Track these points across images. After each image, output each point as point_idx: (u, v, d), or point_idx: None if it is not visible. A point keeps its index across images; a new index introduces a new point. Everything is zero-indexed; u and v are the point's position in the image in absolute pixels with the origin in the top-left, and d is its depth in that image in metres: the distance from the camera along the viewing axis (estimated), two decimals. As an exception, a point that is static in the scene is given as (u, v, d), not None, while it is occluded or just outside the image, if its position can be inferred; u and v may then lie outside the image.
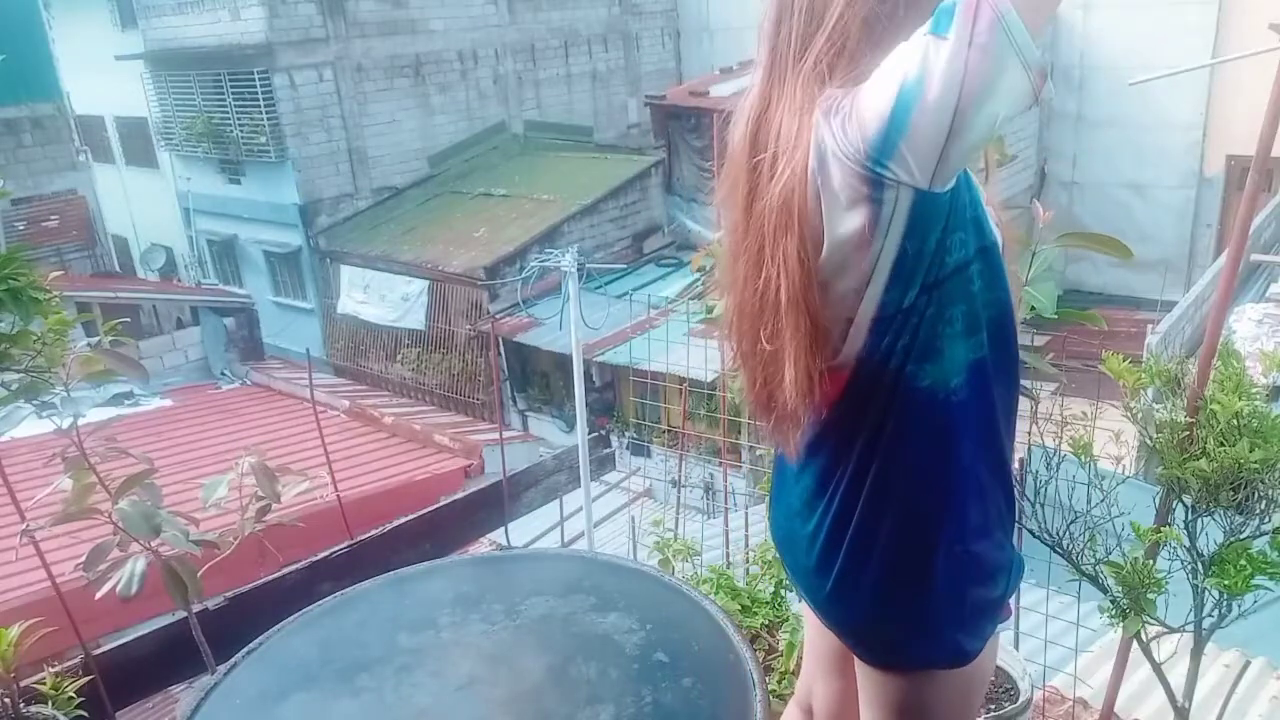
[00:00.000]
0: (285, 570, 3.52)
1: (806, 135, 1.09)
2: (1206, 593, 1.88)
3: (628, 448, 10.49)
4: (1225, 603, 1.87)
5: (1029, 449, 2.25)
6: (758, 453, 5.21)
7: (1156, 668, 2.06)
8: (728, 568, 3.17)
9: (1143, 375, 1.96)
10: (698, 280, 9.81)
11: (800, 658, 1.83)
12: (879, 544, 1.23)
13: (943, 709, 1.34)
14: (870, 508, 1.22)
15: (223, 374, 10.22)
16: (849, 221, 1.07)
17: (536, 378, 12.35)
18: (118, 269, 14.08)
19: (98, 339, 2.16)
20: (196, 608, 2.35)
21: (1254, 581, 1.77)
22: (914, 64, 0.98)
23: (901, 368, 1.15)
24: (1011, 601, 1.40)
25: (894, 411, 1.17)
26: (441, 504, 5.18)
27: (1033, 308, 1.83)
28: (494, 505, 5.18)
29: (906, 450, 1.19)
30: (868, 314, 1.13)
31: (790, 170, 1.10)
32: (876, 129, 1.01)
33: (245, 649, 1.59)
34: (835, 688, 1.61)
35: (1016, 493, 1.34)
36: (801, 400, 1.17)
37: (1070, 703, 2.98)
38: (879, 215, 1.05)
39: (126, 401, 8.51)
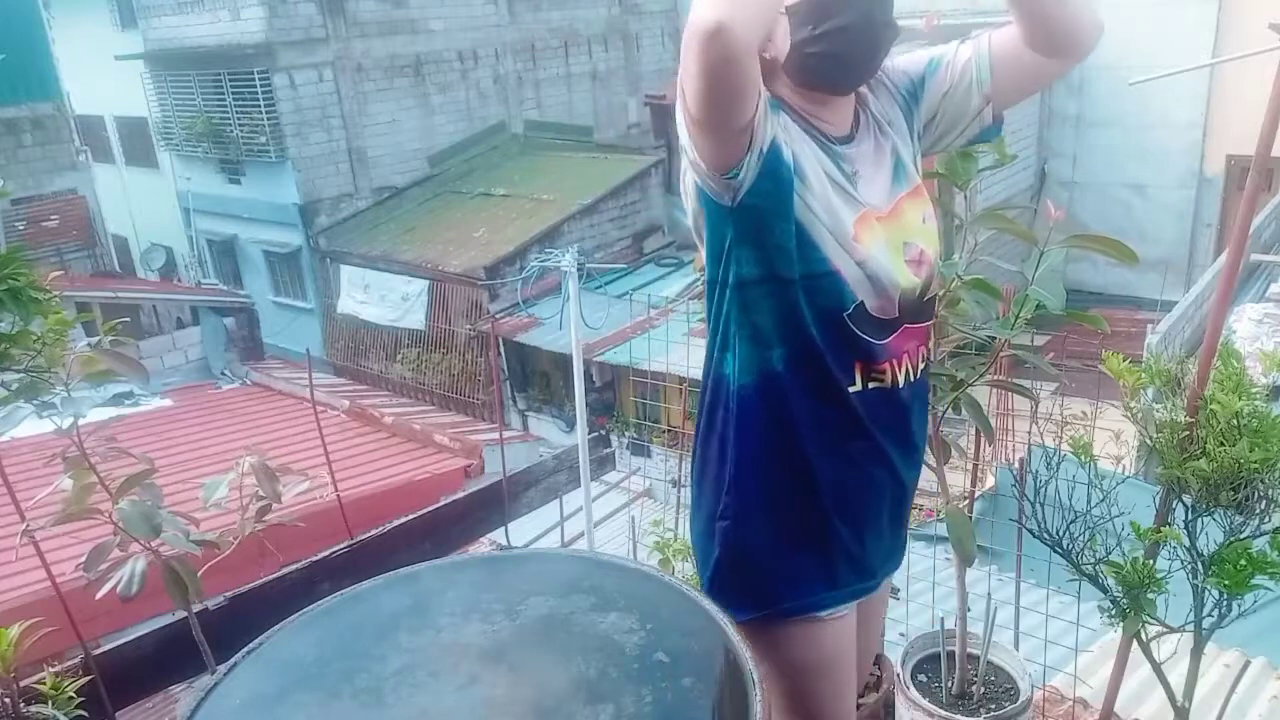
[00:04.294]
0: (285, 570, 3.51)
1: None
2: (1206, 592, 1.88)
3: (628, 448, 10.48)
4: (1225, 603, 1.87)
5: (1029, 449, 2.25)
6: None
7: (1156, 667, 2.06)
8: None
9: (1143, 375, 1.96)
10: (698, 280, 9.81)
11: None
12: (703, 495, 1.50)
13: (783, 668, 1.53)
14: (700, 463, 1.49)
15: (223, 374, 10.21)
16: (689, 182, 1.35)
17: (536, 378, 12.35)
18: (118, 269, 14.06)
19: (98, 339, 2.15)
20: (196, 608, 2.35)
21: (1254, 581, 1.77)
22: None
23: (713, 350, 1.39)
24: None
25: (709, 389, 1.42)
26: (441, 504, 5.16)
27: (1039, 306, 1.83)
28: (494, 505, 5.16)
29: (712, 422, 1.43)
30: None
31: None
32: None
33: (245, 649, 1.59)
34: None
35: (839, 522, 1.47)
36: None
37: (1070, 702, 2.98)
38: (696, 187, 1.32)
39: (126, 401, 8.50)
